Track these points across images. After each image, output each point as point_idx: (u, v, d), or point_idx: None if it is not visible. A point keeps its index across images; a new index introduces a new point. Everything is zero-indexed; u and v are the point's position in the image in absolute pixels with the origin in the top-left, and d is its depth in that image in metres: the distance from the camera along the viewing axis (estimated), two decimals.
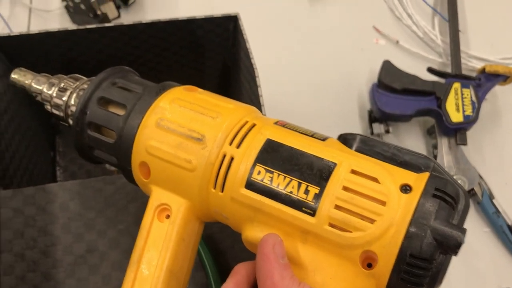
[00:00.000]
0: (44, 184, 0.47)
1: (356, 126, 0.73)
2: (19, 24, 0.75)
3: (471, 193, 0.67)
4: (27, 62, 0.56)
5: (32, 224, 0.46)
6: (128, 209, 0.47)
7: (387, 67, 0.72)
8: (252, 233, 0.33)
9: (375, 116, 0.71)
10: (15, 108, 0.55)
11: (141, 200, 0.48)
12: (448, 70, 0.73)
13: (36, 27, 0.75)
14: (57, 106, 0.40)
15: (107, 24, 0.53)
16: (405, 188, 0.30)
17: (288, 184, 0.31)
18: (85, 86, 0.39)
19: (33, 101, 0.42)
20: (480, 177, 0.67)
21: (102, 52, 0.57)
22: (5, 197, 0.47)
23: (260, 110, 0.47)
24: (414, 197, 0.29)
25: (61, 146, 0.69)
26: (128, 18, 0.76)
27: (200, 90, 0.39)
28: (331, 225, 0.30)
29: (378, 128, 0.70)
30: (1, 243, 0.45)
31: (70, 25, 0.75)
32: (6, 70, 0.53)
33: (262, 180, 0.32)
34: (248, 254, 0.34)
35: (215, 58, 0.63)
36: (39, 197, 0.47)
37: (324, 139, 0.34)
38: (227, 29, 0.57)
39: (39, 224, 0.46)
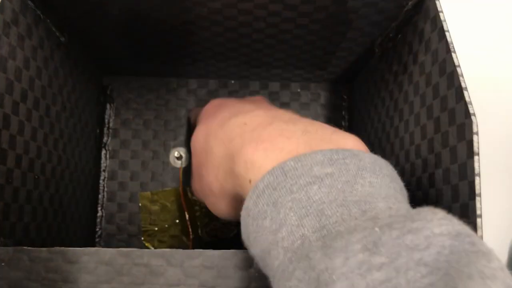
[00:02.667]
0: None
1: None
2: None
3: None
4: (65, 12, 0.35)
5: None
6: None
7: None
8: None
9: None
10: (59, 83, 0.34)
11: None
12: None
13: None
14: None
15: None
16: None
17: None
18: None
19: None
20: None
21: (191, 11, 0.35)
22: None
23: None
24: None
25: (112, 121, 0.50)
26: None
27: None
28: None
29: None
30: None
31: None
32: (34, 22, 0.33)
33: None
34: None
35: (358, 40, 0.40)
36: (53, 268, 0.28)
37: None
38: (400, 6, 0.34)
39: None
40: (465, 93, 0.26)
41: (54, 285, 0.28)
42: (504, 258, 0.49)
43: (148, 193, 0.48)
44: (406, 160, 0.34)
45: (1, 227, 0.29)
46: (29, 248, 0.28)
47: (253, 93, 0.50)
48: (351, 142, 0.27)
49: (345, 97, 0.50)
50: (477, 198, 0.24)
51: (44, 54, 0.34)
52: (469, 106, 0.25)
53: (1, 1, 0.28)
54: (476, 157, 0.25)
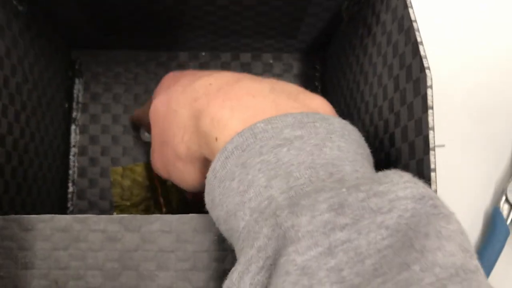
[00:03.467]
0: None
1: None
2: None
3: None
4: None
5: None
6: (158, 280, 0.27)
7: None
8: None
9: None
10: (19, 54, 0.34)
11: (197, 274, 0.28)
12: None
13: None
14: None
15: None
16: None
17: None
18: None
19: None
20: None
21: None
22: None
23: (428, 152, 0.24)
24: None
25: (81, 96, 0.49)
26: None
27: None
28: None
29: None
30: None
31: None
32: None
33: None
34: None
35: (324, 4, 0.39)
36: (9, 235, 0.27)
37: None
38: None
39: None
40: (420, 47, 0.26)
41: (10, 253, 0.27)
42: (480, 224, 0.49)
43: (120, 168, 0.48)
44: (370, 123, 0.34)
45: None
46: None
47: (225, 64, 0.50)
48: (317, 101, 0.27)
49: (317, 67, 0.50)
50: (431, 152, 0.24)
51: (0, 23, 0.34)
52: (424, 60, 0.25)
53: None
54: (430, 111, 0.24)
